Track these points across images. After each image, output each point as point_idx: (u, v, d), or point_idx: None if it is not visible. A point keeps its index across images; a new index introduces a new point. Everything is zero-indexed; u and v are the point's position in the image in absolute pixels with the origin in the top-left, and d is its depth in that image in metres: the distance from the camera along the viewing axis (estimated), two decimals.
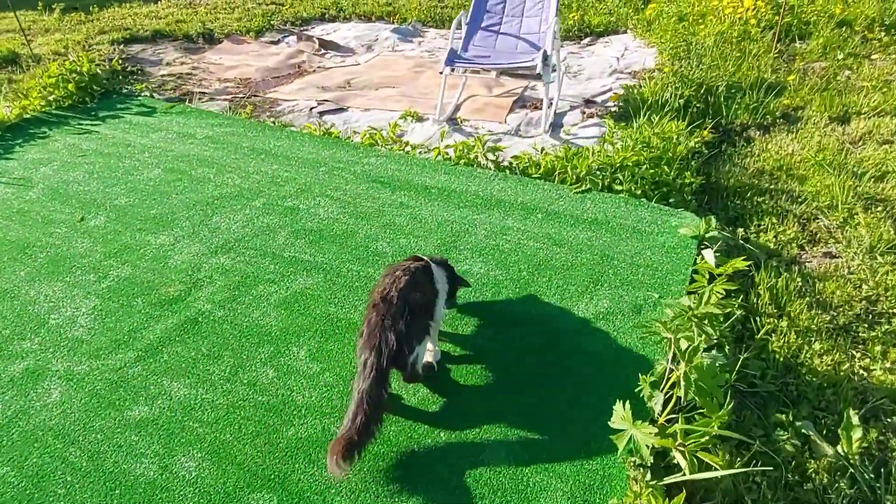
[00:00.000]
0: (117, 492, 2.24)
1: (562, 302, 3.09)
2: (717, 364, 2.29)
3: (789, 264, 3.45)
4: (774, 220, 3.81)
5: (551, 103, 5.55)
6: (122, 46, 7.78)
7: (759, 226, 3.81)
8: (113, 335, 2.97)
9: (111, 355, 2.85)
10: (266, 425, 2.47)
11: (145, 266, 3.47)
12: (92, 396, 2.64)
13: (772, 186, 4.17)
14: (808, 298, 3.16)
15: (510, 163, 4.42)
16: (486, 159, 4.41)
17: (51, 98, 5.47)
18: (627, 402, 2.17)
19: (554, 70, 5.82)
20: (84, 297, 3.24)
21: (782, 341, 2.91)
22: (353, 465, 2.09)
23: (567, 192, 4.05)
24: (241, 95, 6.58)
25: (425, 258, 2.67)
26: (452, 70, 5.35)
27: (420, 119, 5.56)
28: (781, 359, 2.82)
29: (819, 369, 2.77)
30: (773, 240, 3.65)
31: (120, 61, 6.94)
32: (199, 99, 6.18)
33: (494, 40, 5.84)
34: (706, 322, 2.21)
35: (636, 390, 2.39)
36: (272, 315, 3.07)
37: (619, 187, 4.02)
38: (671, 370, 2.28)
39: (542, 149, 4.54)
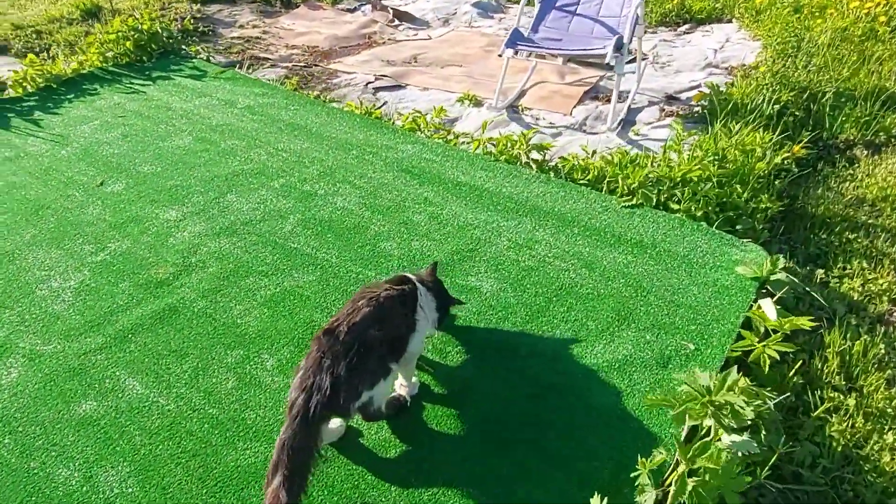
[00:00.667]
0: (33, 498, 2.05)
1: (577, 339, 2.62)
2: (738, 457, 1.78)
3: (874, 323, 2.79)
4: (866, 265, 3.12)
5: (623, 97, 4.94)
6: (199, 6, 7.77)
7: (845, 269, 3.13)
8: (89, 315, 2.82)
9: (80, 338, 2.69)
10: (207, 444, 2.22)
11: (145, 242, 3.30)
12: (47, 382, 2.48)
13: (871, 221, 3.44)
14: (890, 372, 2.52)
15: (557, 164, 3.92)
16: (528, 157, 3.93)
17: (108, 55, 5.46)
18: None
19: (633, 60, 5.19)
20: (76, 270, 3.11)
21: (845, 424, 2.33)
22: None
23: (614, 205, 3.51)
24: (301, 64, 6.37)
25: (414, 279, 2.29)
26: (516, 53, 4.86)
27: (478, 103, 5.12)
28: (840, 447, 2.25)
29: (888, 468, 2.18)
30: (860, 289, 2.98)
31: (193, 21, 6.90)
32: (261, 66, 6.03)
33: (569, 22, 5.26)
34: (726, 412, 1.71)
35: (632, 475, 1.92)
36: (254, 314, 2.80)
37: (675, 206, 3.43)
38: (677, 461, 1.79)
39: (594, 151, 3.99)
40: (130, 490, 2.07)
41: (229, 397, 2.39)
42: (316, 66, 6.37)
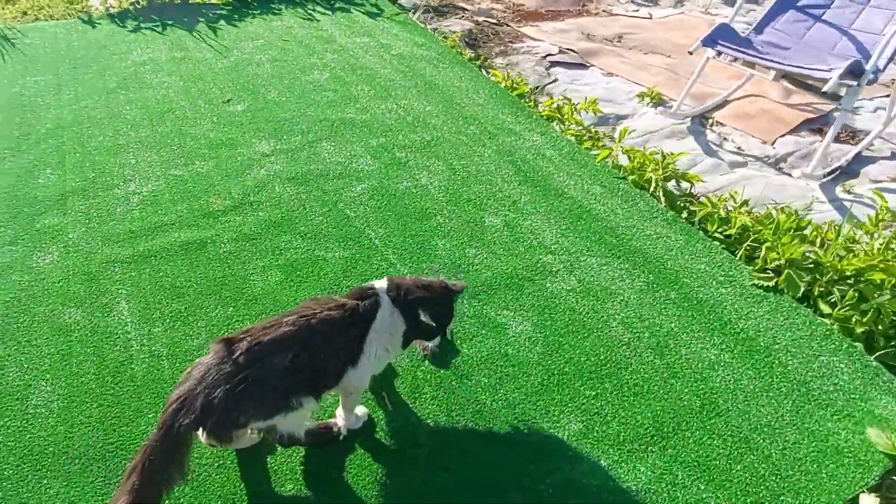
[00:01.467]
0: None
1: (593, 458, 1.99)
2: None
3: None
4: None
5: (852, 138, 3.79)
6: None
7: None
8: (136, 227, 2.85)
9: (114, 245, 2.73)
10: (146, 387, 2.08)
11: (225, 169, 3.27)
12: (62, 278, 2.55)
13: None
14: None
15: (693, 203, 3.08)
16: (659, 188, 3.13)
17: None
18: None
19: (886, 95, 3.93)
20: (155, 179, 3.18)
21: None
22: None
23: (742, 278, 2.65)
24: (492, 21, 5.97)
25: (380, 294, 1.84)
26: (718, 54, 3.95)
27: (660, 103, 4.30)
28: None
29: None
30: None
31: None
32: (452, 15, 5.76)
33: (807, 28, 4.14)
34: None
35: None
36: (268, 274, 2.60)
37: (828, 308, 2.47)
38: None
39: (745, 201, 3.05)
40: (52, 408, 2.01)
41: (191, 354, 2.23)
42: (506, 25, 5.92)
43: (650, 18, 6.24)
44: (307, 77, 4.24)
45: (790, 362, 2.28)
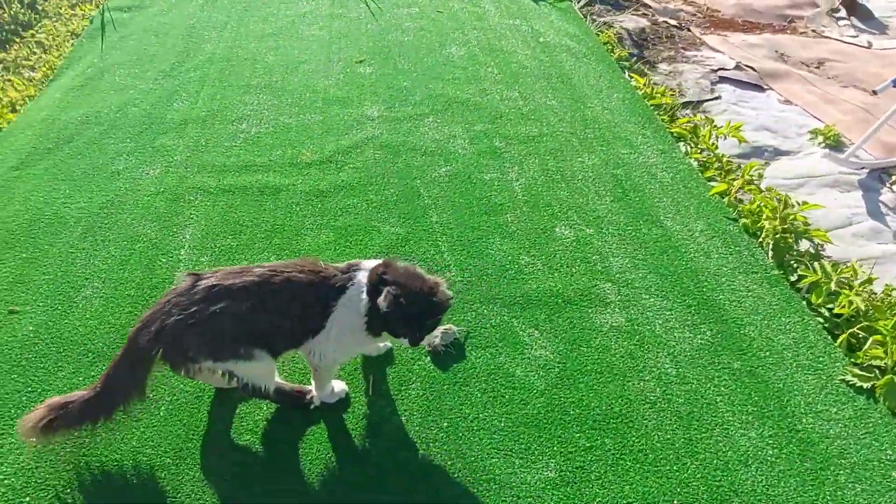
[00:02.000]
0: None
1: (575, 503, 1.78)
2: None
3: None
4: None
5: None
6: None
7: None
8: (231, 161, 3.06)
9: (207, 174, 2.96)
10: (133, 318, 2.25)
11: (329, 124, 3.39)
12: (153, 195, 2.82)
13: None
14: None
15: (805, 271, 2.58)
16: (770, 239, 2.66)
17: None
18: None
19: None
20: (265, 123, 3.38)
21: None
22: (46, 438, 1.68)
23: (829, 368, 2.18)
24: (673, 23, 5.50)
25: (361, 276, 1.75)
26: None
27: (836, 146, 3.69)
28: None
29: None
30: None
31: None
32: (628, 10, 5.41)
33: None
34: None
35: None
36: (319, 234, 2.66)
37: None
38: None
39: (870, 279, 2.48)
40: (93, 304, 2.25)
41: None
42: (687, 30, 5.42)
43: (868, 48, 5.34)
44: (443, 51, 4.22)
45: (855, 487, 1.84)
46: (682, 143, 3.44)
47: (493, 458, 1.87)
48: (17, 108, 3.50)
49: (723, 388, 2.11)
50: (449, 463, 1.85)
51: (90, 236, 2.56)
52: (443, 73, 3.95)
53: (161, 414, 1.92)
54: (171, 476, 1.76)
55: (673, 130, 3.52)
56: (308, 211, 2.78)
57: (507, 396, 2.05)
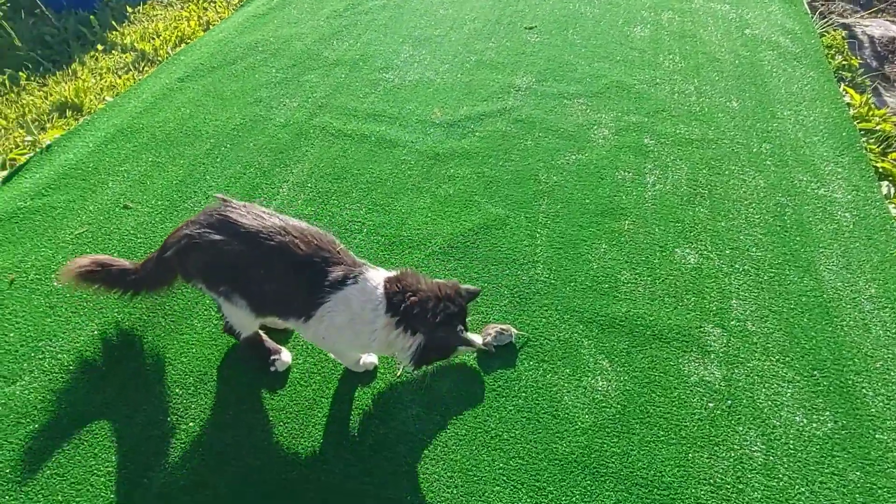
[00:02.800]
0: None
1: None
2: None
3: None
4: None
5: None
6: None
7: None
8: (362, 107, 3.05)
9: (332, 116, 2.98)
10: None
11: (472, 87, 3.22)
12: (280, 127, 2.91)
13: None
14: None
15: None
16: None
17: None
18: None
19: None
20: (410, 74, 3.31)
21: None
22: (80, 285, 1.79)
23: None
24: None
25: (370, 275, 1.62)
26: None
27: None
28: None
29: None
30: None
31: None
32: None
33: None
34: None
35: None
36: (415, 199, 2.54)
37: None
38: None
39: None
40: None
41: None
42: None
43: None
44: (625, 29, 3.79)
45: None
46: (886, 183, 2.72)
47: (498, 485, 1.64)
48: (210, 27, 3.82)
49: (823, 499, 1.64)
50: (446, 476, 1.66)
51: (214, 153, 2.71)
52: (614, 54, 3.55)
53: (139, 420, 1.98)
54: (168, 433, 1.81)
55: (881, 165, 2.80)
56: (415, 171, 2.67)
57: (542, 422, 1.79)
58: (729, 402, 1.87)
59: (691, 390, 1.90)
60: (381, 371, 1.90)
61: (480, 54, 3.51)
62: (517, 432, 1.77)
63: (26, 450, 1.65)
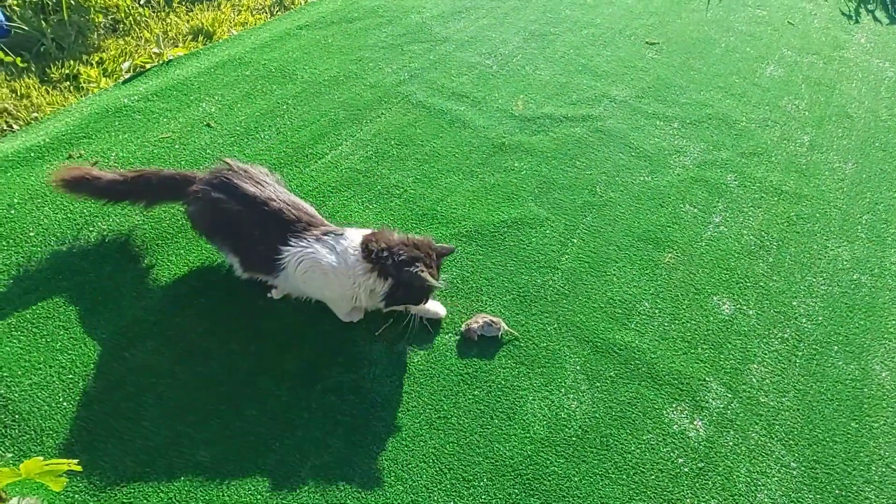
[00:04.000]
0: None
1: None
2: None
3: None
4: None
5: None
6: None
7: None
8: (454, 87, 3.10)
9: (423, 81, 3.06)
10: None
11: (567, 87, 3.16)
12: (356, 97, 3.04)
13: None
14: None
15: None
16: None
17: None
18: None
19: None
20: (526, 54, 3.31)
21: None
22: (67, 190, 1.97)
23: None
24: None
25: (353, 233, 1.77)
26: None
27: None
28: None
29: None
30: None
31: None
32: None
33: None
34: None
35: None
36: (465, 182, 2.55)
37: None
38: None
39: None
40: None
41: (354, 183, 2.47)
42: None
43: None
44: (756, 65, 3.51)
45: None
46: None
47: (424, 462, 1.64)
48: None
49: None
50: (381, 434, 1.69)
51: (300, 97, 2.89)
52: (733, 87, 3.31)
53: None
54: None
55: None
56: (475, 156, 2.68)
57: (494, 420, 1.76)
58: (702, 464, 1.72)
59: (665, 439, 1.77)
60: (363, 329, 1.96)
61: (588, 59, 3.42)
62: (465, 420, 1.75)
63: (53, 302, 1.89)
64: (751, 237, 2.44)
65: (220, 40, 3.28)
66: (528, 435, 1.73)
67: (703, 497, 1.65)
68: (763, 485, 1.70)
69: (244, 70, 3.02)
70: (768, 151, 2.90)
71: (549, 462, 1.68)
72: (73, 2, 3.30)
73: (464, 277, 2.14)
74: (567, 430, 1.76)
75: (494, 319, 1.96)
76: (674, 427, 1.80)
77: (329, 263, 1.68)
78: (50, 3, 3.26)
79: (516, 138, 2.80)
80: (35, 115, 2.70)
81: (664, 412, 1.83)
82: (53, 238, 2.06)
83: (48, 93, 2.86)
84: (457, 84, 3.11)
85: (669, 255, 2.32)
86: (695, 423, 1.81)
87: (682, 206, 2.55)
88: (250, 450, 1.62)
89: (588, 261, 2.26)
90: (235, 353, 1.82)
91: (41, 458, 1.32)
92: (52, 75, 2.95)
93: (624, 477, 1.68)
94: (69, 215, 2.15)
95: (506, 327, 1.97)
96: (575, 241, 2.34)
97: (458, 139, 2.76)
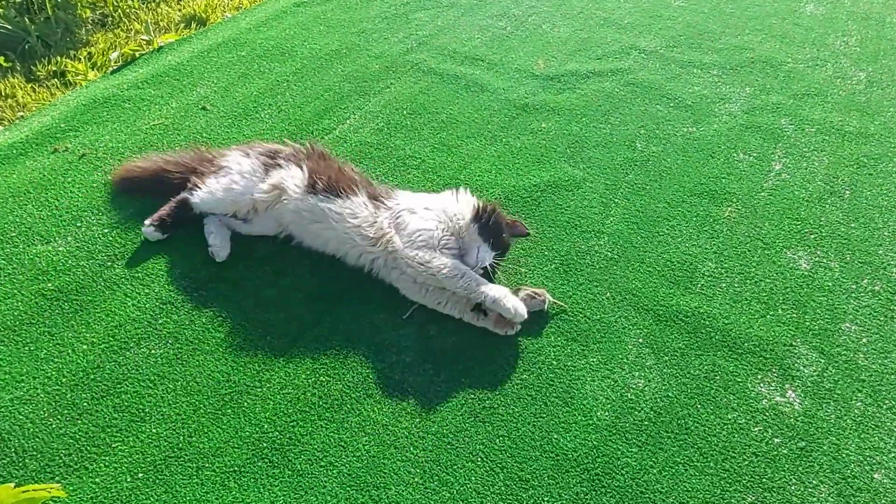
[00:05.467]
0: None
1: None
2: None
3: None
4: None
5: None
6: None
7: None
8: (472, 50, 2.84)
9: (433, 48, 2.80)
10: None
11: (590, 41, 2.88)
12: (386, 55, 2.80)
13: None
14: None
15: None
16: None
17: None
18: None
19: None
20: (539, 12, 3.04)
21: None
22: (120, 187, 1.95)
23: None
24: None
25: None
26: None
27: None
28: None
29: None
30: None
31: None
32: None
33: None
34: None
35: None
36: (489, 148, 2.29)
37: None
38: None
39: None
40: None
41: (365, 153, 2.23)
42: None
43: None
44: (794, 4, 3.20)
45: None
46: None
47: (473, 461, 1.39)
48: None
49: None
50: (417, 434, 1.43)
51: (300, 73, 2.65)
52: (772, 28, 3.01)
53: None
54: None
55: None
56: (496, 119, 2.42)
57: (549, 407, 1.49)
58: (802, 443, 1.44)
59: (755, 417, 1.49)
60: (385, 303, 1.70)
61: (609, 13, 3.14)
62: (515, 409, 1.49)
63: (35, 305, 1.66)
64: (819, 183, 2.15)
65: (214, 24, 3.06)
66: (590, 422, 1.47)
67: (810, 481, 1.37)
68: (878, 463, 1.41)
69: (240, 51, 2.79)
70: (823, 91, 2.59)
71: (619, 453, 1.41)
72: None
73: None
74: (636, 413, 1.49)
75: (537, 291, 1.70)
76: (762, 402, 1.52)
77: None
78: (35, 2, 3.08)
79: (540, 98, 2.53)
80: (21, 114, 2.50)
81: (748, 385, 1.55)
82: (37, 237, 1.84)
83: (34, 91, 2.66)
84: (469, 48, 2.85)
85: (729, 208, 2.04)
86: (787, 394, 1.53)
87: (735, 155, 2.26)
88: (263, 460, 1.37)
89: (636, 221, 1.99)
90: (240, 350, 1.58)
91: (12, 484, 1.09)
92: (38, 73, 2.75)
93: (711, 465, 1.40)
94: (54, 212, 1.93)
95: (551, 299, 1.70)
96: (618, 201, 2.06)
97: (477, 103, 2.50)
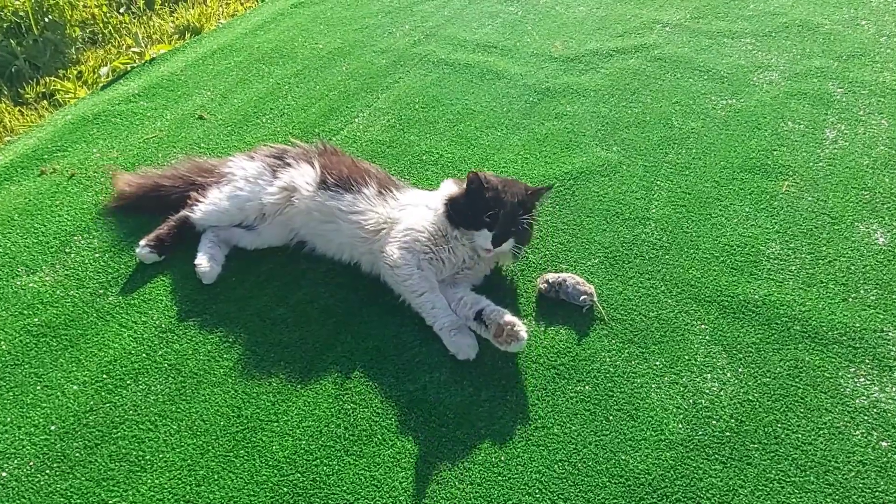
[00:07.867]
0: None
1: None
2: None
3: None
4: None
5: None
6: None
7: None
8: (478, 38, 2.65)
9: (442, 38, 2.62)
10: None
11: (608, 18, 2.68)
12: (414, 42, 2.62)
13: None
14: None
15: None
16: None
17: None
18: None
19: None
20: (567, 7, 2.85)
21: None
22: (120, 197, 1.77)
23: None
24: None
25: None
26: None
27: None
28: None
29: None
30: None
31: None
32: None
33: None
34: None
35: None
36: (511, 135, 2.10)
37: None
38: None
39: None
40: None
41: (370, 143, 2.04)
42: None
43: None
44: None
45: None
46: None
47: (531, 493, 1.18)
48: None
49: None
50: (462, 466, 1.22)
51: (302, 74, 2.47)
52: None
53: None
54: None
55: None
56: (516, 106, 2.23)
57: (612, 423, 1.28)
58: None
59: (855, 417, 1.27)
60: (410, 313, 1.50)
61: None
62: (573, 428, 1.28)
63: (20, 344, 1.49)
64: (882, 148, 1.93)
65: (206, 32, 2.90)
66: (662, 437, 1.25)
67: None
68: None
69: (236, 57, 2.63)
70: (869, 52, 2.37)
71: (700, 472, 1.20)
72: (47, 20, 2.98)
73: (531, 244, 1.67)
74: (714, 423, 1.27)
75: (582, 282, 1.49)
76: (859, 399, 1.30)
77: None
78: (23, 25, 2.94)
79: (562, 80, 2.33)
80: (8, 138, 2.35)
81: (841, 381, 1.33)
82: (22, 267, 1.67)
83: (22, 114, 2.51)
84: (480, 36, 2.66)
85: (786, 182, 1.82)
86: (887, 390, 1.31)
87: (783, 125, 2.05)
88: None
89: (684, 204, 1.78)
90: (251, 379, 1.39)
91: None
92: (26, 96, 2.60)
93: (812, 479, 1.18)
94: (41, 238, 1.75)
95: (598, 303, 1.49)
96: (661, 183, 1.85)
97: (494, 91, 2.31)
